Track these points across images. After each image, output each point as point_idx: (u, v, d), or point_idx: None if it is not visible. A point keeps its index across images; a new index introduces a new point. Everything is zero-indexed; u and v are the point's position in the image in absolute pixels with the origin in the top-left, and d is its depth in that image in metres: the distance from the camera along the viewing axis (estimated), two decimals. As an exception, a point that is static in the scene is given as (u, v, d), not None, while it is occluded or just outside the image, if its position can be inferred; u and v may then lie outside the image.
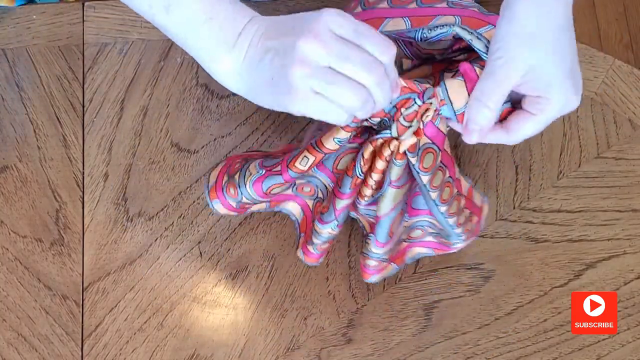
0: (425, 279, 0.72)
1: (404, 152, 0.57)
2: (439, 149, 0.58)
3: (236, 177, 0.64)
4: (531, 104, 0.54)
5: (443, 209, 0.62)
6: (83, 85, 0.74)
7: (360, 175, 0.60)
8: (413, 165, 0.58)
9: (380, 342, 0.71)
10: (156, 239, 0.71)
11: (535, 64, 0.52)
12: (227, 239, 0.71)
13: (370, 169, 0.59)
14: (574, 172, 0.76)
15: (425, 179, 0.59)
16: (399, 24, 0.61)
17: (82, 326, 0.69)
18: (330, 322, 0.71)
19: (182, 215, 0.72)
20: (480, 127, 0.55)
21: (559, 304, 0.72)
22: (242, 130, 0.74)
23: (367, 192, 0.61)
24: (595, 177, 0.75)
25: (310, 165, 0.60)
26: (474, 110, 0.55)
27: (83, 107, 0.73)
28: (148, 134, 0.73)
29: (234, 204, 0.65)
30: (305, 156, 0.59)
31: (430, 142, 0.57)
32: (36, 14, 0.75)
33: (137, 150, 0.72)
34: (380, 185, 0.61)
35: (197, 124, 0.74)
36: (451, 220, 0.63)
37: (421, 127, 0.56)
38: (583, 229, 0.74)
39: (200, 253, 0.71)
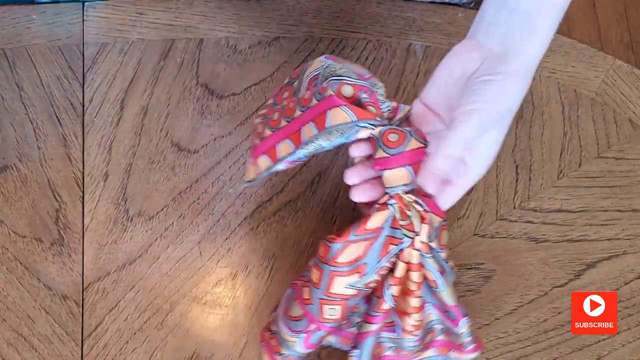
0: (426, 279, 0.72)
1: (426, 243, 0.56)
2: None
3: (283, 351, 0.62)
4: (455, 172, 0.55)
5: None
6: (83, 85, 0.74)
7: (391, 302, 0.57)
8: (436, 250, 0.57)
9: (381, 342, 0.70)
10: (156, 239, 0.71)
11: (482, 138, 0.54)
12: (227, 239, 0.71)
13: (404, 292, 0.57)
14: (574, 171, 0.75)
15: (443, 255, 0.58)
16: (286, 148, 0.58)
17: (82, 326, 0.69)
18: (331, 322, 0.71)
19: (182, 215, 0.71)
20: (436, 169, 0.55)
21: (559, 304, 0.72)
22: (242, 130, 0.74)
23: (411, 320, 0.58)
24: (596, 177, 0.75)
25: (342, 313, 0.58)
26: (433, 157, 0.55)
27: (83, 107, 0.73)
28: (148, 133, 0.73)
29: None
30: (330, 307, 0.58)
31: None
32: (36, 14, 0.75)
33: (137, 150, 0.72)
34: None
35: (197, 124, 0.74)
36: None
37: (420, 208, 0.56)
38: (583, 229, 0.74)
39: (200, 253, 0.71)
